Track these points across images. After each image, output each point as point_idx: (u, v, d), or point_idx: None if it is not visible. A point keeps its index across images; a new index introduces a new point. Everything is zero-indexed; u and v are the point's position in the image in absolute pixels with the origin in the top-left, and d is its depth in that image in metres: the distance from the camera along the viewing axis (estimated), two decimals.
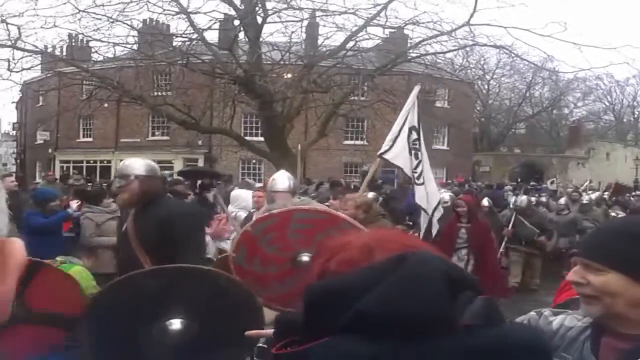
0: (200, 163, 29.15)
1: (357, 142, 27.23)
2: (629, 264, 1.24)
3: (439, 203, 6.27)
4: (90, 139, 31.58)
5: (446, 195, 8.66)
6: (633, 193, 18.39)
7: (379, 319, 0.75)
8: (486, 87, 40.87)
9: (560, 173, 31.10)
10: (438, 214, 6.19)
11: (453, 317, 0.77)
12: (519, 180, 24.99)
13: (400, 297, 0.76)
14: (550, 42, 14.00)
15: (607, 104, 47.01)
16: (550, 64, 22.45)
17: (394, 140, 5.69)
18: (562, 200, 11.41)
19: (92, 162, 30.04)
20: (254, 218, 4.09)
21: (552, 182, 17.58)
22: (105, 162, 29.74)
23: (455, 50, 15.67)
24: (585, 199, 11.65)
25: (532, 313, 1.51)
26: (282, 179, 4.67)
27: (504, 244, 8.90)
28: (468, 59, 17.77)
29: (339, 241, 0.93)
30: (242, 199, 6.90)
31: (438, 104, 27.49)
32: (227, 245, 5.96)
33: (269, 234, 2.59)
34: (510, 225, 8.98)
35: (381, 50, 15.78)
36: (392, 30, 15.29)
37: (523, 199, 9.52)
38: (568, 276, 1.35)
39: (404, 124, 5.81)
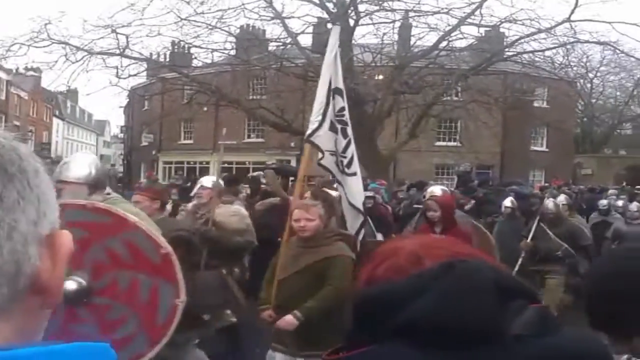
0: (293, 164, 29.64)
1: (450, 144, 26.72)
2: (610, 323, 1.16)
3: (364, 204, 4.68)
4: (190, 141, 33.05)
5: (507, 201, 8.02)
6: None
7: (426, 327, 0.75)
8: (589, 85, 38.72)
9: None
10: (357, 220, 4.53)
11: (502, 326, 0.75)
12: (625, 184, 23.49)
13: (448, 307, 0.75)
14: None
15: None
16: None
17: (324, 114, 4.05)
18: (634, 206, 8.79)
19: (192, 162, 31.39)
20: None
21: None
22: (204, 162, 31.01)
23: (554, 47, 15.01)
24: None
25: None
26: (77, 164, 3.09)
27: (520, 261, 6.70)
28: (569, 57, 16.91)
29: (388, 247, 0.95)
30: None
31: (536, 104, 26.39)
32: None
33: None
34: (530, 237, 6.73)
35: (476, 50, 15.42)
36: (487, 29, 14.92)
37: (549, 201, 7.38)
38: None
39: (329, 87, 4.14)
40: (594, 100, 41.05)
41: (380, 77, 14.73)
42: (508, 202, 8.23)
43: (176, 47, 15.76)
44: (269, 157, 28.74)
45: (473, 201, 12.09)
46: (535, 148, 31.89)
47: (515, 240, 6.82)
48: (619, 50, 15.75)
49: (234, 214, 4.62)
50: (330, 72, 4.15)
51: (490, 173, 27.23)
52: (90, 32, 13.32)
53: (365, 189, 10.60)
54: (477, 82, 15.69)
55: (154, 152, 34.50)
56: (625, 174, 31.80)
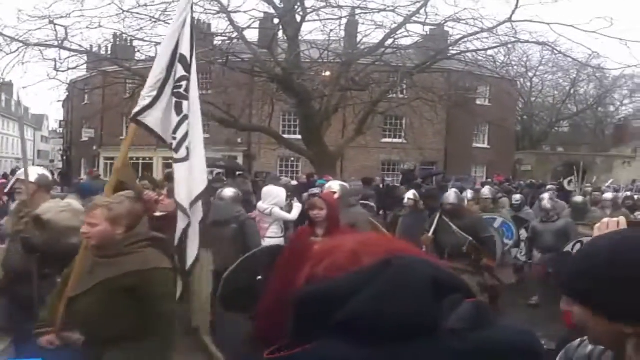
0: (240, 160, 29.48)
1: (396, 140, 27.11)
2: (584, 294, 1.14)
3: (200, 196, 3.49)
4: None
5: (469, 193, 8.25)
6: None
7: (364, 323, 0.77)
8: (529, 84, 40.04)
9: (605, 172, 30.26)
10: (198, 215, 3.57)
11: (437, 321, 0.77)
12: (562, 179, 24.45)
13: (384, 302, 0.77)
14: (596, 38, 13.62)
15: None
16: (596, 61, 21.83)
17: (162, 87, 3.37)
18: (547, 202, 8.49)
19: (134, 159, 30.67)
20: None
21: (569, 182, 14.93)
22: (147, 159, 30.34)
23: (496, 47, 15.41)
24: (578, 198, 9.62)
25: (577, 341, 1.42)
26: None
27: None
28: (510, 56, 17.40)
29: (326, 246, 0.95)
30: (274, 195, 6.97)
31: (478, 102, 27.08)
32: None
33: None
34: (431, 231, 6.42)
35: (420, 48, 15.66)
36: (432, 28, 15.18)
37: (450, 193, 6.85)
38: (561, 305, 1.24)
39: (174, 52, 3.43)
40: (533, 99, 42.50)
41: (327, 73, 14.75)
42: (410, 194, 8.24)
43: (118, 39, 15.32)
44: (215, 153, 28.36)
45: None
46: (477, 145, 32.76)
47: (418, 234, 6.55)
48: (556, 50, 16.33)
49: (64, 209, 3.73)
50: (176, 38, 3.43)
51: (434, 168, 27.80)
52: (26, 22, 12.79)
53: (313, 185, 10.64)
54: (422, 80, 15.94)
55: (94, 148, 33.54)
56: (562, 170, 33.10)
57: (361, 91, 15.42)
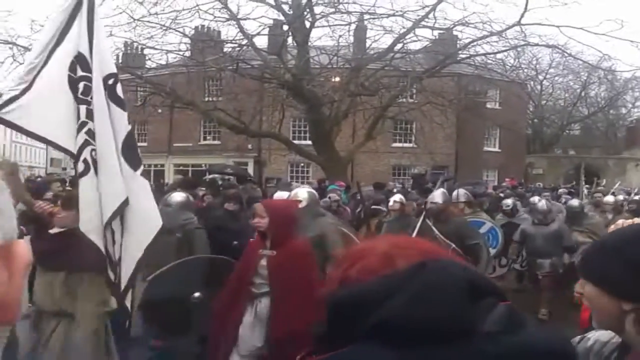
0: (250, 166, 29.59)
1: (406, 145, 27.07)
2: (598, 275, 1.26)
3: (119, 208, 3.11)
4: (144, 144, 32.50)
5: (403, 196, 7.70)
6: None
7: (399, 326, 0.77)
8: (539, 87, 39.86)
9: (618, 175, 30.00)
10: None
11: (473, 324, 0.77)
12: (574, 182, 24.28)
13: (420, 305, 0.77)
14: (606, 40, 13.56)
15: None
16: (606, 63, 21.71)
17: (31, 79, 2.85)
18: (543, 203, 8.06)
19: (146, 165, 30.72)
20: None
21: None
22: (159, 165, 30.55)
23: (505, 50, 15.38)
24: (575, 202, 8.98)
25: (577, 337, 1.49)
26: None
27: None
28: (520, 60, 17.38)
29: (359, 248, 0.96)
30: None
31: (489, 106, 27.00)
32: None
33: None
34: (414, 235, 5.93)
35: (430, 52, 15.66)
36: (441, 32, 15.17)
37: (438, 193, 6.39)
38: (575, 287, 1.37)
39: (55, 44, 2.96)
40: (543, 102, 42.28)
41: (337, 79, 14.79)
42: (397, 197, 7.67)
43: (129, 48, 15.45)
44: (226, 159, 28.53)
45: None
46: (488, 149, 32.63)
47: None
48: (566, 53, 16.28)
49: None
50: (57, 28, 2.96)
51: (445, 173, 27.71)
52: (39, 32, 12.93)
53: (324, 190, 10.65)
54: (431, 84, 15.93)
55: None
56: (574, 173, 32.88)
57: (371, 96, 15.44)
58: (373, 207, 8.73)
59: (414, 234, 5.59)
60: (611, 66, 22.59)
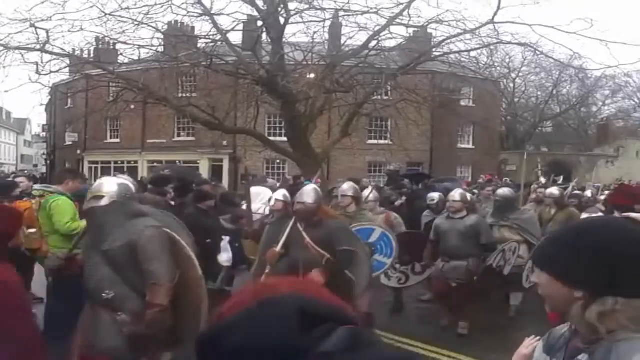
0: (225, 163, 29.42)
1: (381, 142, 27.18)
2: (551, 264, 1.40)
3: None
4: (117, 140, 32.06)
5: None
6: None
7: (239, 355, 0.86)
8: (512, 85, 40.39)
9: (588, 172, 30.56)
10: None
11: (306, 347, 0.84)
12: (547, 179, 24.68)
13: (255, 333, 0.87)
14: (577, 39, 13.78)
15: (637, 101, 45.98)
16: (577, 62, 22.05)
17: None
18: (456, 193, 7.03)
19: (119, 162, 30.48)
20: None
21: (554, 181, 13.23)
22: (132, 162, 30.18)
23: (479, 48, 15.51)
24: (504, 191, 8.00)
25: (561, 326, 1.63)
26: None
27: None
28: (493, 57, 17.56)
29: (248, 286, 1.05)
30: (263, 195, 6.94)
31: (463, 103, 27.26)
32: None
33: None
34: (280, 244, 5.35)
35: (404, 50, 15.71)
36: (415, 30, 15.22)
37: (307, 190, 5.33)
38: (532, 278, 1.52)
39: None
40: (516, 100, 42.86)
41: (312, 75, 14.74)
42: (279, 195, 6.72)
43: (101, 43, 15.19)
44: (200, 155, 28.32)
45: (404, 198, 12.38)
46: (462, 145, 32.98)
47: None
48: (538, 51, 16.45)
49: None
50: None
51: (420, 169, 27.92)
52: (7, 25, 12.65)
53: (300, 187, 10.60)
54: (406, 82, 15.99)
55: (78, 152, 33.28)
56: (547, 170, 33.39)
57: (346, 93, 15.43)
58: None
59: (282, 242, 4.97)
60: (582, 65, 23.08)
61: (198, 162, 28.30)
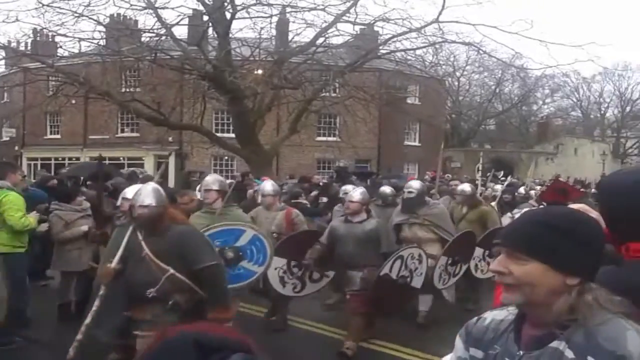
0: (172, 160, 28.85)
1: (330, 139, 27.30)
2: (548, 253, 1.37)
3: None
4: (58, 136, 30.97)
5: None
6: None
7: None
8: (456, 84, 41.27)
9: (529, 168, 31.58)
10: None
11: None
12: (488, 175, 25.37)
13: None
14: (518, 39, 14.23)
15: (575, 100, 47.90)
16: (519, 61, 22.82)
17: None
18: (353, 192, 6.14)
19: (60, 159, 29.47)
20: None
21: (496, 178, 13.35)
22: (73, 159, 29.21)
23: (424, 47, 15.80)
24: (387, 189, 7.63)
25: (474, 318, 1.59)
26: None
27: None
28: (438, 56, 17.93)
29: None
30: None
31: (409, 101, 27.68)
32: None
33: None
34: (117, 258, 4.15)
35: (351, 47, 15.83)
36: (362, 27, 15.36)
37: (146, 191, 3.97)
38: (491, 266, 1.47)
39: None
40: (461, 98, 43.81)
41: (260, 71, 14.64)
42: (127, 193, 5.00)
43: (38, 34, 14.64)
44: (145, 152, 27.67)
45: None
46: (409, 143, 33.47)
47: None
48: (482, 50, 16.91)
49: None
50: None
51: (368, 167, 28.21)
52: None
53: (247, 184, 10.53)
54: (353, 79, 16.11)
55: (16, 148, 31.95)
56: (490, 167, 34.31)
57: (294, 89, 15.42)
58: (293, 201, 8.72)
59: (118, 255, 3.95)
60: (523, 64, 23.79)
61: (143, 158, 27.65)
